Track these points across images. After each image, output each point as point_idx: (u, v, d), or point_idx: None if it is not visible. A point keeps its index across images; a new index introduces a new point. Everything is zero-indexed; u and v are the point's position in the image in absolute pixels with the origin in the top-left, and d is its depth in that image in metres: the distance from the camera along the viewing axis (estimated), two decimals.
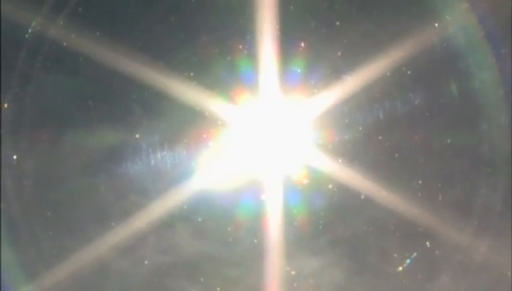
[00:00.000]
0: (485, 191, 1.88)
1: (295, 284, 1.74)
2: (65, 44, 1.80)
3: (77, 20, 1.80)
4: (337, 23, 1.91)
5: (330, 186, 1.90)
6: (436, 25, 1.89)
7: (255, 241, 1.78)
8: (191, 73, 1.86)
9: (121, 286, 1.77)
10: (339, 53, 1.92)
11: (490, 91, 1.92)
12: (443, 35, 1.90)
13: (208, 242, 1.82)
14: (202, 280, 1.80)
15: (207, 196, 1.90)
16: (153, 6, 1.89)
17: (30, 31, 1.78)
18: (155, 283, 1.78)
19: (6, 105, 1.78)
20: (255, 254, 1.75)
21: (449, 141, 1.91)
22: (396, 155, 1.91)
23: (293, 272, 1.76)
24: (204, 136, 1.91)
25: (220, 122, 1.90)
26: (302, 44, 1.91)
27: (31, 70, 1.82)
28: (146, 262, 1.84)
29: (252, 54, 1.85)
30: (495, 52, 1.92)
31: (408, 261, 1.78)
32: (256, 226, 1.83)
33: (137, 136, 1.90)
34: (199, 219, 1.91)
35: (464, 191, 1.89)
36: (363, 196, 1.88)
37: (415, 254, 1.77)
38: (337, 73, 1.88)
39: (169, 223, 1.88)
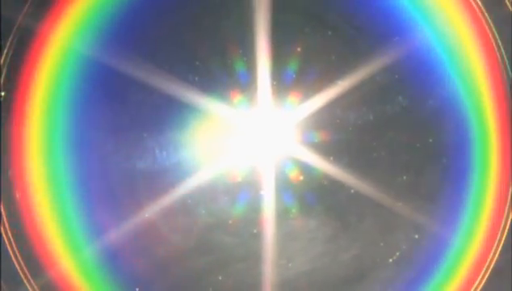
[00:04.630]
0: (460, 184, 2.07)
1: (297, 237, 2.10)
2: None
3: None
4: (329, 32, 2.04)
5: (324, 181, 2.05)
6: (423, 32, 2.04)
7: (265, 211, 2.06)
8: (196, 78, 1.99)
9: None
10: (332, 57, 2.05)
11: (472, 95, 2.06)
12: (429, 42, 2.04)
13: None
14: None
15: (210, 191, 2.04)
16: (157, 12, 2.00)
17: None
18: None
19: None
20: (267, 219, 2.06)
21: (430, 140, 2.07)
22: (383, 153, 2.07)
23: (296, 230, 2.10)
24: (204, 135, 2.03)
25: (218, 122, 2.02)
26: (298, 49, 2.03)
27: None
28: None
29: (249, 58, 1.97)
30: (477, 58, 2.06)
31: (379, 223, 2.10)
32: (259, 207, 2.05)
33: (145, 135, 2.02)
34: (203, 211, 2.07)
35: (442, 184, 2.09)
36: (352, 191, 2.05)
37: (385, 219, 2.09)
38: (329, 77, 2.01)
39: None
